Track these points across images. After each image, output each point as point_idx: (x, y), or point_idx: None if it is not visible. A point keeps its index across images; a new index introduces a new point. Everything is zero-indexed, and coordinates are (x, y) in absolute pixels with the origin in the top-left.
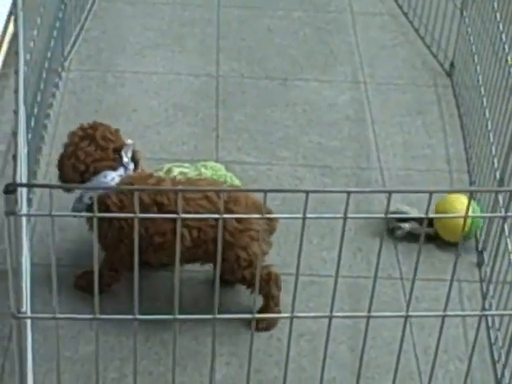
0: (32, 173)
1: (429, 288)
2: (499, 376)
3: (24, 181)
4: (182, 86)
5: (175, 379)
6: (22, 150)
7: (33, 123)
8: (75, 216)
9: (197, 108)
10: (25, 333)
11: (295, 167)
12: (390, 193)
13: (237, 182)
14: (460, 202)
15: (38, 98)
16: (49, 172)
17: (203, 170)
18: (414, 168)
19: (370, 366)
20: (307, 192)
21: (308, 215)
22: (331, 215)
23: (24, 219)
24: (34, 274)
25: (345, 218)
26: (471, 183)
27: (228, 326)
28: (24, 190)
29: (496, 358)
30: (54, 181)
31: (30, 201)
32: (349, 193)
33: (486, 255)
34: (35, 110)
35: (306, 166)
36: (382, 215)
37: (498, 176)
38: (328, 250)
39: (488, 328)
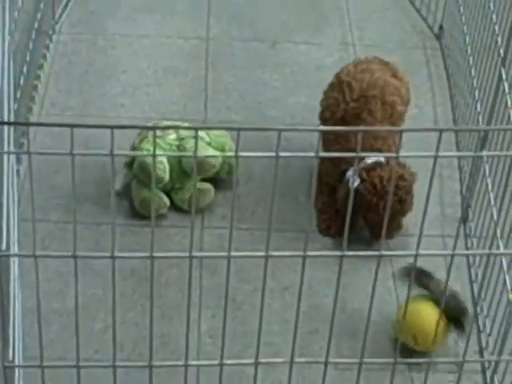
0: (21, 132)
1: None
2: None
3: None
4: (173, 49)
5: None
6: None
7: (22, 81)
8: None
9: (186, 70)
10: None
11: (283, 127)
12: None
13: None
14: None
15: (27, 58)
16: (39, 132)
17: (201, 133)
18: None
19: None
20: (279, 130)
21: (281, 153)
22: (303, 154)
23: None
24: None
25: (317, 157)
26: (457, 143)
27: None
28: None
29: None
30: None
31: (17, 172)
32: (319, 131)
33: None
34: (24, 69)
35: (293, 125)
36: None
37: (482, 132)
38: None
39: None
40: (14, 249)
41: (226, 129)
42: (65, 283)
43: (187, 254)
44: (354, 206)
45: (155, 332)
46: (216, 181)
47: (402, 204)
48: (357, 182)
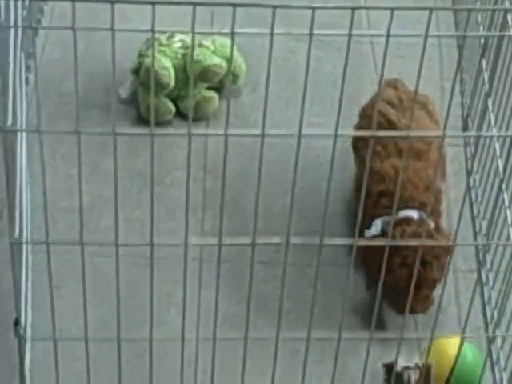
0: (32, 42)
1: None
2: None
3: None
4: None
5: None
6: None
7: None
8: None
9: None
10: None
11: (288, 40)
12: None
13: (243, 67)
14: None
15: None
16: (48, 42)
17: (206, 42)
18: (403, 42)
19: None
20: (274, 7)
21: (276, 30)
22: (297, 31)
23: None
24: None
25: (311, 35)
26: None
27: None
28: None
29: None
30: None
31: (27, 79)
32: (313, 9)
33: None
34: None
35: (298, 40)
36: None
37: (482, 42)
38: None
39: None
40: (22, 125)
41: (219, 5)
42: (73, 184)
43: (186, 132)
44: (373, 261)
45: (159, 228)
46: (221, 90)
47: (426, 268)
48: (372, 232)
